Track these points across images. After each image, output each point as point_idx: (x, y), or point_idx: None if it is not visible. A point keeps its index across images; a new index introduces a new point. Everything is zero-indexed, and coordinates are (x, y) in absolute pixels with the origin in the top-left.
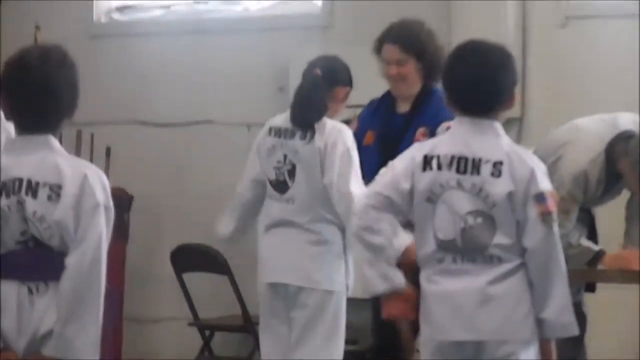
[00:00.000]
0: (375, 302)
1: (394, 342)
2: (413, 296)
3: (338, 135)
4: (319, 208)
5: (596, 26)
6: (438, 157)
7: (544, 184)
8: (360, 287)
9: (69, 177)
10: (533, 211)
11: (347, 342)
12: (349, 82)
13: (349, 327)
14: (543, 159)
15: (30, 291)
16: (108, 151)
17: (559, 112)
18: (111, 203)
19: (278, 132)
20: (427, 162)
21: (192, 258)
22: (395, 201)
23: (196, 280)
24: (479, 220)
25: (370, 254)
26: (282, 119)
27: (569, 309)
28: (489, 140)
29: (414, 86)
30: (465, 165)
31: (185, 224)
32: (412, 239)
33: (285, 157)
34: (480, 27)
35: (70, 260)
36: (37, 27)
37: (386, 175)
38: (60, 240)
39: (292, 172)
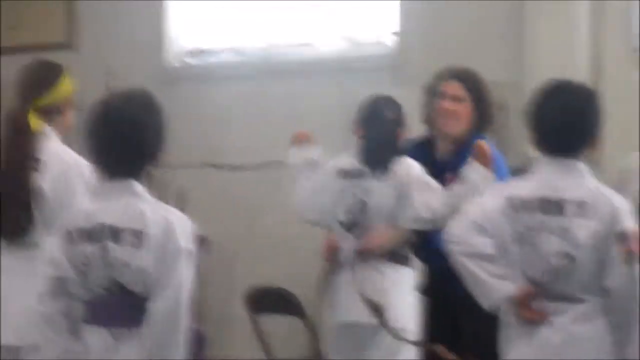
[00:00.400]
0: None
1: None
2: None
3: (410, 171)
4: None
5: None
6: (524, 199)
7: (628, 223)
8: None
9: (152, 223)
10: (616, 251)
11: None
12: (405, 123)
13: None
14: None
15: (115, 336)
16: (181, 195)
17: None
18: (194, 248)
19: (348, 174)
20: (511, 204)
21: (266, 300)
22: (486, 232)
23: (271, 322)
24: (565, 261)
25: (483, 267)
26: (348, 161)
27: None
28: (573, 180)
29: (462, 128)
30: (549, 206)
31: (259, 266)
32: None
33: (354, 197)
34: (553, 61)
35: (154, 306)
36: (109, 72)
37: (475, 208)
38: (143, 286)
39: (364, 212)
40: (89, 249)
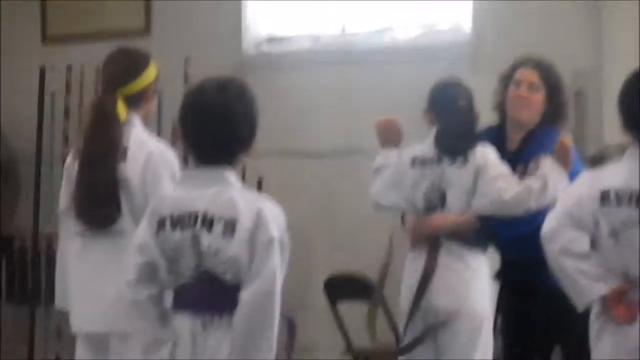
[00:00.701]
0: (508, 333)
1: None
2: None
3: (486, 157)
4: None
5: None
6: (617, 192)
7: None
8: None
9: (244, 211)
10: None
11: None
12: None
13: None
14: None
15: (203, 324)
16: (260, 183)
17: None
18: (286, 238)
19: (424, 162)
20: (604, 197)
21: (345, 287)
22: (583, 221)
23: (350, 309)
24: None
25: (577, 266)
26: (423, 148)
27: None
28: None
29: (534, 117)
30: None
31: (338, 254)
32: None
33: (433, 184)
34: (631, 48)
35: (246, 295)
36: (187, 59)
37: (568, 197)
38: (234, 275)
39: (442, 199)
40: (179, 235)
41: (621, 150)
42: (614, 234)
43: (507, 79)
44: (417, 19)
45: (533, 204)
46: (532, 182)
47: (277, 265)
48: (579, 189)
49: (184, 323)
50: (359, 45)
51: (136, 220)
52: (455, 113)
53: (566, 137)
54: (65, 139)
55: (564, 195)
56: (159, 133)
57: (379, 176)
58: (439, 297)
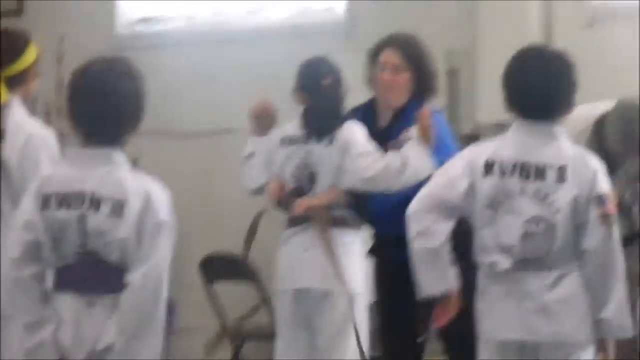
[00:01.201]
0: (384, 308)
1: (403, 349)
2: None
3: (352, 134)
4: (337, 210)
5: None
6: (501, 162)
7: (604, 186)
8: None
9: (132, 193)
10: (594, 213)
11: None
12: (344, 83)
13: None
14: None
15: (87, 304)
16: (135, 162)
17: None
18: (173, 220)
19: (293, 141)
20: (488, 167)
21: (220, 267)
22: (449, 202)
23: (225, 288)
24: (541, 226)
25: (428, 257)
26: (292, 128)
27: (626, 310)
28: (551, 144)
29: (401, 98)
30: (528, 171)
31: (213, 233)
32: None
33: (300, 163)
34: (505, 29)
35: (135, 278)
36: (61, 39)
37: (440, 177)
38: (119, 256)
39: (312, 178)
40: (65, 214)
41: (495, 128)
42: (494, 204)
43: (373, 58)
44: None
45: (394, 182)
46: (392, 160)
47: (166, 249)
48: (452, 170)
49: (66, 303)
50: (233, 24)
51: (13, 202)
52: (321, 92)
53: (426, 109)
54: None
55: (436, 175)
56: (33, 113)
57: (249, 163)
58: (312, 277)
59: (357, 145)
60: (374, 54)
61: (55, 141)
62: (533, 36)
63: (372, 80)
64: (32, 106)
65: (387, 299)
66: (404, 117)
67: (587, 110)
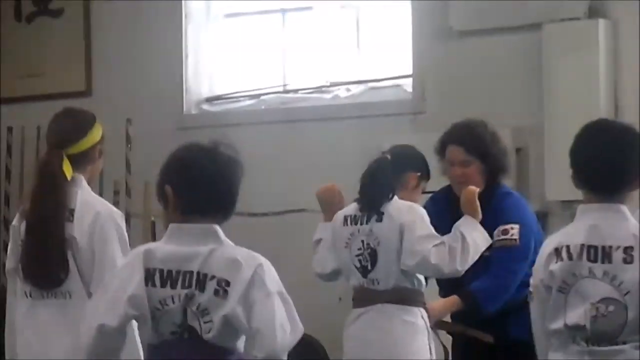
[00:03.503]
0: None
1: None
2: None
3: (413, 214)
4: (401, 288)
5: None
6: (568, 247)
7: None
8: None
9: (237, 270)
10: None
11: None
12: (420, 169)
13: None
14: None
15: None
16: None
17: None
18: (284, 291)
19: (354, 220)
20: (557, 253)
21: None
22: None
23: None
24: (611, 308)
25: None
26: (353, 208)
27: None
28: (617, 225)
29: (477, 186)
30: (595, 253)
31: None
32: None
33: (363, 242)
34: (573, 105)
35: (258, 352)
36: (129, 121)
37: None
38: (217, 333)
39: (373, 256)
40: (169, 292)
41: (564, 206)
42: (565, 288)
43: (440, 153)
44: (358, 77)
45: (458, 266)
46: (452, 241)
47: (279, 314)
48: (538, 260)
49: None
50: (301, 103)
51: (84, 282)
52: (374, 166)
53: (471, 187)
54: (6, 200)
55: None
56: (101, 193)
57: (318, 247)
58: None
59: (420, 226)
60: (441, 148)
61: (123, 220)
62: (601, 113)
63: (445, 173)
64: (99, 185)
65: None
66: (485, 202)
67: None
